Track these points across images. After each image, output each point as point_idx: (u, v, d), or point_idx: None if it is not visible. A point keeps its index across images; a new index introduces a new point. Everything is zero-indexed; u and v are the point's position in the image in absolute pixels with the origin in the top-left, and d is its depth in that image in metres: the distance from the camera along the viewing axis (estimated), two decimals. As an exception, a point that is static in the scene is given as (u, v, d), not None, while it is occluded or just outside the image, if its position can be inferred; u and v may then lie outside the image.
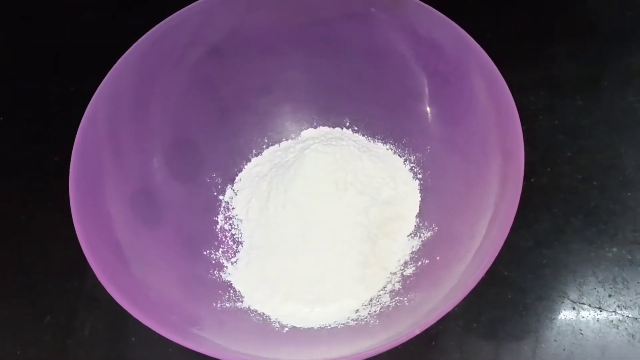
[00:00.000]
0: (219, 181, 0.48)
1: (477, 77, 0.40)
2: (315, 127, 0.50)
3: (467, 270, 0.36)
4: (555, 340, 0.43)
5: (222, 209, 0.48)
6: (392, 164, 0.48)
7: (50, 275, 0.48)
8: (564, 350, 0.43)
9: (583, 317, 0.44)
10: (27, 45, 0.60)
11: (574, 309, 0.44)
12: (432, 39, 0.39)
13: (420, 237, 0.44)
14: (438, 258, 0.41)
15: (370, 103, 0.48)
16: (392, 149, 0.48)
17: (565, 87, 0.53)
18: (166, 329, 0.34)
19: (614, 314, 0.44)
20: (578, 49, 0.56)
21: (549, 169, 0.49)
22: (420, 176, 0.47)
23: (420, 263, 0.42)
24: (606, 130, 0.51)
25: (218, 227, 0.47)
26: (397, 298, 0.41)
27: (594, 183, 0.49)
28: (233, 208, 0.48)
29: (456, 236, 0.41)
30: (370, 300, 0.42)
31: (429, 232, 0.44)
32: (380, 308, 0.40)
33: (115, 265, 0.37)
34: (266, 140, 0.50)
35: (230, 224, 0.47)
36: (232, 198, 0.48)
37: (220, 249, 0.46)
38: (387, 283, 0.42)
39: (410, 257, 0.43)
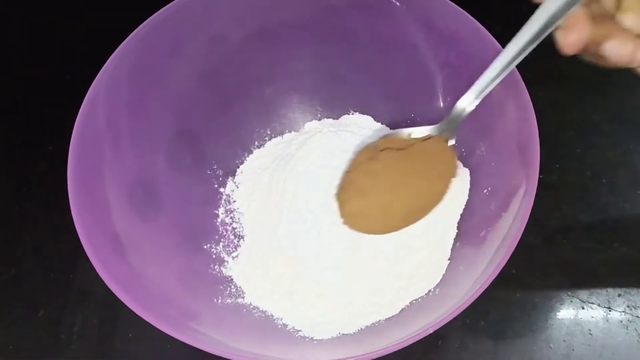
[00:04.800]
0: (220, 173, 0.47)
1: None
2: (319, 119, 0.49)
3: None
4: (564, 341, 0.42)
5: (223, 201, 0.46)
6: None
7: (44, 268, 0.47)
8: (573, 350, 0.42)
9: (592, 317, 0.43)
10: (22, 33, 0.59)
11: (583, 308, 0.43)
12: (446, 30, 0.37)
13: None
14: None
15: (378, 95, 0.46)
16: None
17: (575, 82, 0.52)
18: (163, 323, 0.33)
19: (623, 314, 0.43)
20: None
21: (557, 166, 0.48)
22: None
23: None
24: (616, 127, 0.50)
25: (219, 220, 0.46)
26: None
27: (603, 180, 0.48)
28: (234, 201, 0.46)
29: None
30: (377, 299, 0.40)
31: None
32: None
33: (113, 256, 0.36)
34: (269, 132, 0.49)
35: (231, 218, 0.46)
36: (233, 191, 0.47)
37: (221, 243, 0.44)
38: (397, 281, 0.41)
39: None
